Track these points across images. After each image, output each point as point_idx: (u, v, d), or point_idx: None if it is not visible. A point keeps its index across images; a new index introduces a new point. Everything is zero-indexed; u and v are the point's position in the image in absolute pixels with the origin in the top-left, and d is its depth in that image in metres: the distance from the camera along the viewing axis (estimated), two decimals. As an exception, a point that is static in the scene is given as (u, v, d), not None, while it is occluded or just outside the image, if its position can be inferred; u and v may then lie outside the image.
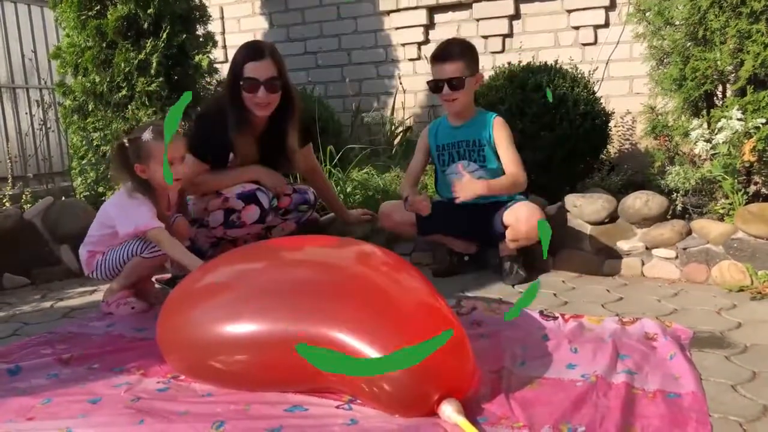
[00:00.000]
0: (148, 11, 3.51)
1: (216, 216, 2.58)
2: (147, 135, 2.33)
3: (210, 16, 3.93)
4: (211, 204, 2.59)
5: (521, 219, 2.48)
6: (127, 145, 2.36)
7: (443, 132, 2.75)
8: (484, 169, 2.65)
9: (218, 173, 2.61)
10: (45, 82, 4.94)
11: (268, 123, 2.63)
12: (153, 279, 2.81)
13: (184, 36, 3.65)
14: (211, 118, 2.64)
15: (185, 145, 2.44)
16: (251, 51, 2.53)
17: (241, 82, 2.50)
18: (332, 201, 3.06)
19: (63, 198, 3.63)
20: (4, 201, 3.57)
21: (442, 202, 2.77)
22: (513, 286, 2.55)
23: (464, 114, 2.69)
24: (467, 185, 2.48)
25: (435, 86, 2.62)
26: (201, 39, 3.83)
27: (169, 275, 2.83)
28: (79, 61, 3.57)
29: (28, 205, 3.38)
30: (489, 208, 2.61)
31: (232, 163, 2.64)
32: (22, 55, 4.87)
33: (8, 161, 4.06)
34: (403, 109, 4.47)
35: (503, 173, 2.61)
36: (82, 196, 3.61)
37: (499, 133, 2.64)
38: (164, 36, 3.55)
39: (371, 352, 1.46)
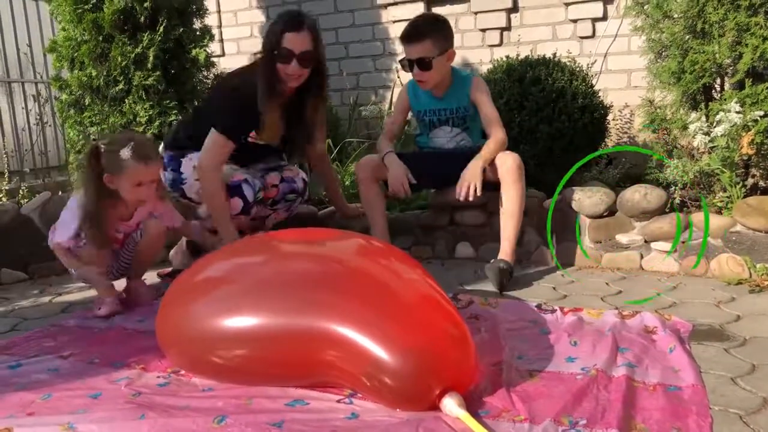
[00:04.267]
0: (145, 4, 3.49)
1: (204, 207, 2.63)
2: (126, 152, 2.28)
3: (207, 9, 3.90)
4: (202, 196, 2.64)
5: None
6: (102, 151, 2.31)
7: (424, 99, 2.80)
8: (467, 131, 2.78)
9: (219, 210, 2.56)
10: (41, 77, 4.91)
11: (294, 95, 2.62)
12: (156, 273, 2.81)
13: (181, 29, 3.62)
14: (241, 91, 2.56)
15: (160, 169, 2.42)
16: (291, 21, 2.48)
17: (276, 52, 2.47)
18: (334, 191, 3.07)
19: (60, 192, 3.62)
20: (1, 196, 3.55)
21: (417, 153, 2.92)
22: (477, 272, 2.45)
23: (441, 86, 2.73)
24: (470, 176, 2.50)
25: (405, 65, 2.67)
26: (198, 32, 3.80)
27: (169, 269, 2.83)
28: (76, 55, 3.55)
29: (25, 200, 3.37)
30: (465, 154, 2.66)
31: (255, 137, 2.64)
32: (17, 49, 4.84)
33: (4, 156, 4.04)
34: (401, 102, 4.46)
35: (480, 129, 2.76)
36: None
37: (479, 94, 2.70)
38: (161, 29, 3.53)
39: (374, 347, 1.46)
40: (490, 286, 2.46)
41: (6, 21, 4.80)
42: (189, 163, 2.68)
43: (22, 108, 4.77)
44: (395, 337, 1.48)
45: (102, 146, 2.32)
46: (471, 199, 2.49)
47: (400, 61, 2.72)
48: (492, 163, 2.56)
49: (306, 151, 2.88)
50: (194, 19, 3.80)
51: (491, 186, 2.59)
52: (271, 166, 2.79)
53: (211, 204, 2.57)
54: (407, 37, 2.64)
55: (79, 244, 2.37)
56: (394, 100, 4.35)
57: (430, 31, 2.62)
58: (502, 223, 2.55)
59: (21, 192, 3.57)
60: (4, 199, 3.51)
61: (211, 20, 4.28)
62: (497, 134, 2.61)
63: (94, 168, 2.31)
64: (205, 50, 3.80)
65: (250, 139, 2.63)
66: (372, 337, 1.48)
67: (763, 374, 1.59)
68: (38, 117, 4.72)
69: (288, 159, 2.90)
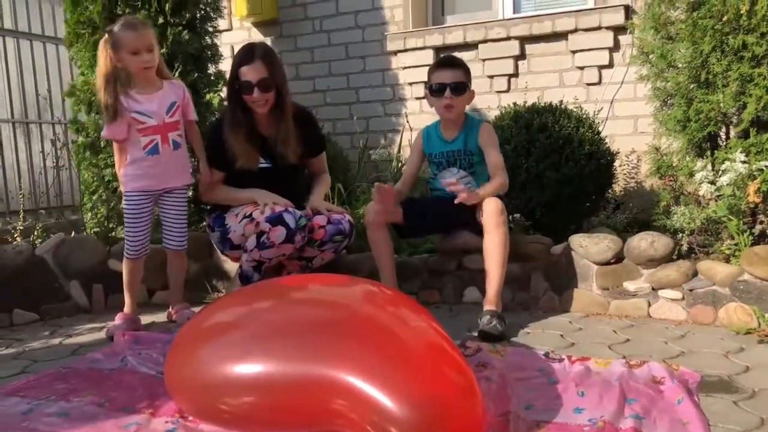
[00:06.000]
0: (161, 51, 3.59)
1: (251, 240, 2.70)
2: (116, 27, 2.61)
3: (221, 55, 4.01)
4: (246, 229, 2.73)
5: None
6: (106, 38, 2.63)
7: (435, 142, 2.92)
8: (474, 175, 2.83)
9: (228, 190, 2.87)
10: (59, 119, 5.02)
11: (269, 120, 2.83)
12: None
13: (196, 75, 3.72)
14: (217, 126, 2.91)
15: (152, 36, 2.66)
16: (244, 55, 2.76)
17: (237, 86, 2.74)
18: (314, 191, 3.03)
19: (73, 232, 3.67)
20: (16, 236, 3.60)
21: (430, 198, 3.00)
22: (479, 334, 2.42)
23: (454, 124, 2.85)
24: (468, 192, 2.57)
25: (437, 90, 2.77)
26: (212, 77, 3.90)
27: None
28: (93, 99, 3.64)
29: (39, 240, 3.42)
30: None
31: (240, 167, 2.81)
32: (37, 93, 4.97)
33: (20, 196, 4.12)
34: (410, 146, 4.50)
35: (487, 174, 2.80)
36: (92, 231, 3.65)
37: (486, 137, 2.80)
38: (176, 75, 3.62)
39: (380, 396, 1.47)
40: (497, 333, 2.46)
41: (26, 64, 4.94)
42: (232, 213, 2.82)
43: (40, 151, 4.87)
44: (402, 387, 1.49)
45: (106, 32, 2.64)
46: (464, 196, 2.51)
47: (430, 87, 2.82)
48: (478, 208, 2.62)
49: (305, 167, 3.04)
50: (209, 65, 3.91)
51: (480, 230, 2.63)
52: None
53: (227, 201, 2.87)
54: (445, 63, 2.85)
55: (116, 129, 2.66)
56: (404, 144, 4.46)
57: (463, 64, 2.84)
58: (486, 268, 2.59)
59: (36, 231, 3.62)
60: (18, 239, 3.56)
61: (225, 65, 4.36)
62: (498, 179, 2.70)
63: (106, 54, 2.62)
64: (218, 94, 3.89)
65: (241, 165, 2.80)
66: (378, 386, 1.49)
67: (772, 428, 1.58)
68: (55, 161, 4.81)
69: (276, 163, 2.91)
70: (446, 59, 2.94)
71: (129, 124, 2.66)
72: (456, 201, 2.52)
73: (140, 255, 2.77)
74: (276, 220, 2.64)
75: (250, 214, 2.72)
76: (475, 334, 2.44)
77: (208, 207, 3.05)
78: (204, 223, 3.67)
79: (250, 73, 2.70)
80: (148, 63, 2.64)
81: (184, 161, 2.82)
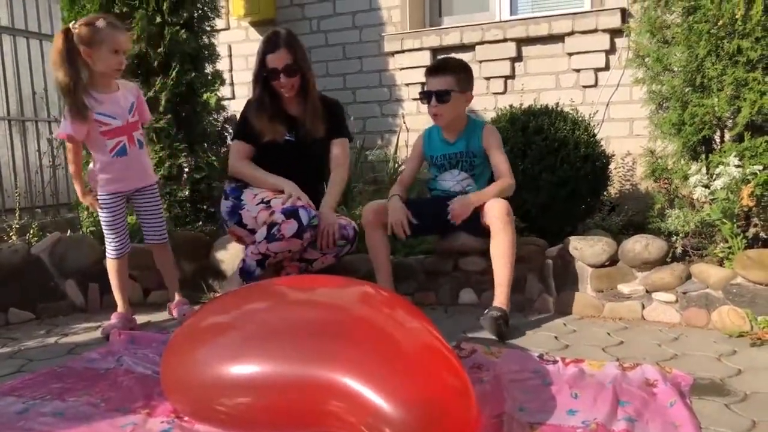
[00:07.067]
0: (158, 50, 3.59)
1: (261, 232, 2.70)
2: (102, 23, 2.56)
3: (218, 54, 4.01)
4: (261, 215, 2.75)
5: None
6: (76, 30, 2.52)
7: (436, 144, 2.92)
8: (474, 177, 2.83)
9: (256, 169, 2.90)
10: (55, 117, 5.02)
11: (296, 102, 2.94)
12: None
13: (193, 74, 3.72)
14: (245, 108, 3.01)
15: (131, 41, 2.73)
16: (269, 44, 2.86)
17: (265, 74, 2.85)
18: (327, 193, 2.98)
19: (69, 230, 3.67)
20: (11, 234, 3.60)
21: (428, 198, 3.01)
22: (481, 323, 2.48)
23: (454, 127, 2.85)
24: (460, 206, 2.62)
25: (424, 97, 2.80)
26: (209, 77, 3.90)
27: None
28: (89, 98, 3.64)
29: (35, 239, 3.42)
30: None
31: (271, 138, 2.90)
32: (33, 91, 4.96)
33: (16, 194, 4.11)
34: (406, 147, 4.52)
35: (491, 177, 2.81)
36: (88, 230, 3.65)
37: (491, 140, 2.82)
38: (173, 74, 3.62)
39: (376, 398, 1.48)
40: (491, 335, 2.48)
41: (23, 61, 4.93)
42: (250, 192, 2.86)
43: (36, 150, 4.86)
44: (397, 389, 1.50)
45: (74, 27, 2.53)
46: (456, 222, 2.61)
47: (420, 93, 2.86)
48: (483, 210, 2.62)
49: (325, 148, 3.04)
50: (206, 64, 3.90)
51: (487, 233, 2.63)
52: None
53: (252, 181, 2.90)
54: (432, 70, 2.84)
55: (80, 129, 2.60)
56: (400, 144, 4.47)
57: (454, 68, 2.80)
58: (494, 269, 2.59)
59: (32, 230, 3.62)
60: (14, 237, 3.56)
61: (222, 65, 4.38)
62: (504, 181, 2.71)
63: (67, 47, 2.51)
64: (216, 94, 3.90)
65: (268, 138, 2.88)
66: (374, 388, 1.50)
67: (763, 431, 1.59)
68: (51, 159, 4.81)
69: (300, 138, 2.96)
70: (435, 65, 2.90)
71: (90, 127, 2.60)
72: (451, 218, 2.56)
73: (122, 253, 2.80)
74: (291, 213, 2.65)
75: (269, 201, 2.74)
76: (470, 335, 2.45)
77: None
78: (200, 223, 3.68)
79: (276, 60, 2.81)
80: (122, 65, 2.65)
81: (147, 160, 2.85)
